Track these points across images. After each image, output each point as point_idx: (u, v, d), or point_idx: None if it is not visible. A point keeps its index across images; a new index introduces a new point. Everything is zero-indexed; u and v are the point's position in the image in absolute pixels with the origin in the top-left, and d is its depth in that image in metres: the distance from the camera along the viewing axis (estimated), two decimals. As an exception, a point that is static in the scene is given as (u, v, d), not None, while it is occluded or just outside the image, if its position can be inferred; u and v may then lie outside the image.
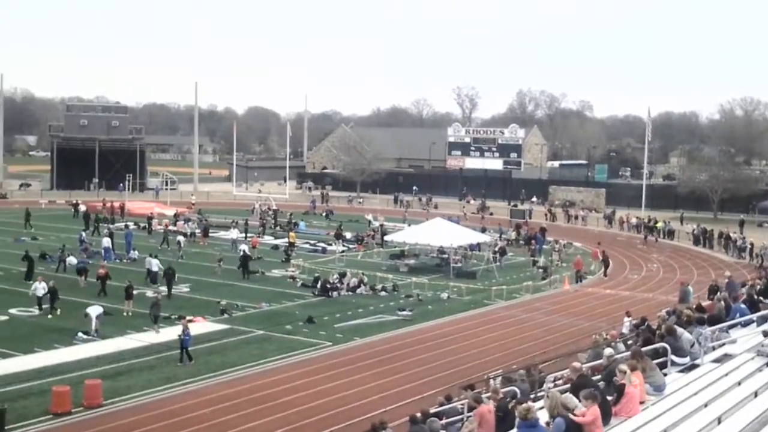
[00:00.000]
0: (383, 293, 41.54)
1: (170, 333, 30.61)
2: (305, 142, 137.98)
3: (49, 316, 33.79)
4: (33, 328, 32.39)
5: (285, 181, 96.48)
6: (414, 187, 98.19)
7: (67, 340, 30.56)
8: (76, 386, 24.11)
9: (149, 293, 38.82)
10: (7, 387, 25.00)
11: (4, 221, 66.13)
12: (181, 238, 53.05)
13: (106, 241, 49.89)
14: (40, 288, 34.74)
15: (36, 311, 34.63)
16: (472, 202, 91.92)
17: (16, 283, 40.70)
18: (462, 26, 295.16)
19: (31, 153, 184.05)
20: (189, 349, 28.16)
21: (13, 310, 34.87)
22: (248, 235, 58.96)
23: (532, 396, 17.44)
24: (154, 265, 42.14)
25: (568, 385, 14.52)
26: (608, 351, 16.26)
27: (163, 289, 38.71)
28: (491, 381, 21.33)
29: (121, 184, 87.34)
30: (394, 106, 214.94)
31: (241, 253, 46.72)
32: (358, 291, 41.55)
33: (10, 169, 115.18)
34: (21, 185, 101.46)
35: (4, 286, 40.07)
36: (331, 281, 41.95)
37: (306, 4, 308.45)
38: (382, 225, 63.51)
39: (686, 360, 16.20)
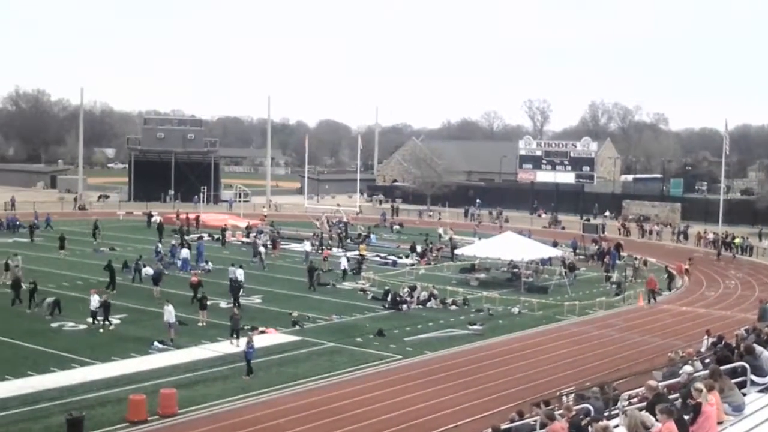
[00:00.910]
0: (453, 307, 41.42)
1: (245, 344, 30.93)
2: (376, 155, 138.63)
3: (101, 330, 33.84)
4: (110, 337, 33.17)
5: (366, 195, 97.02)
6: (477, 200, 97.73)
7: (143, 349, 31.22)
8: (152, 395, 24.58)
9: (222, 304, 39.65)
10: (86, 395, 25.63)
11: (84, 232, 67.86)
12: (262, 249, 54.02)
13: (185, 252, 50.90)
14: (93, 301, 34.78)
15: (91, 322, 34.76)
16: (543, 215, 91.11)
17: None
18: (534, 38, 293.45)
19: (109, 165, 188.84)
20: (252, 361, 28.40)
21: (91, 320, 35.70)
22: (321, 247, 59.43)
23: (606, 414, 17.17)
24: (240, 275, 42.98)
25: (644, 404, 14.30)
26: (688, 369, 15.95)
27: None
28: (564, 398, 21.07)
29: (196, 196, 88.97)
30: (465, 119, 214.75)
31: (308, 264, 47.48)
32: (429, 304, 41.51)
33: (89, 181, 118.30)
34: (100, 197, 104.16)
35: (83, 295, 41.06)
36: (402, 294, 42.01)
37: (378, 19, 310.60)
38: (452, 238, 63.42)
39: (766, 380, 15.79)
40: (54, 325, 34.67)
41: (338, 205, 75.23)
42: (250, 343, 28.70)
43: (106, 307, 34.49)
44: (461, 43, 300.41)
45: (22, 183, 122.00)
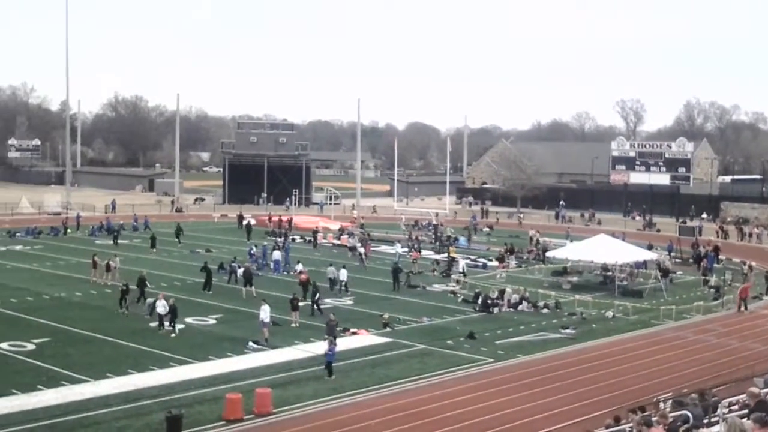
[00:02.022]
0: (545, 310, 40.99)
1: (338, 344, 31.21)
2: (465, 157, 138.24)
3: (173, 335, 33.68)
4: (207, 337, 33.97)
5: (456, 198, 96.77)
6: (561, 202, 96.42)
7: (239, 349, 31.87)
8: (248, 394, 25.04)
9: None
10: (184, 393, 26.30)
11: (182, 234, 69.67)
12: (362, 250, 54.71)
13: (277, 254, 51.81)
14: (160, 305, 34.62)
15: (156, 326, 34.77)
16: (637, 218, 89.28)
17: (192, 293, 42.89)
18: (626, 37, 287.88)
19: (204, 169, 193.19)
20: (334, 364, 28.62)
21: (189, 319, 36.65)
22: (409, 249, 59.59)
23: (705, 421, 16.79)
24: (343, 275, 44.23)
25: (745, 411, 13.92)
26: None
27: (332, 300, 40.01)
28: (661, 404, 20.69)
29: (288, 199, 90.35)
30: (555, 120, 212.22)
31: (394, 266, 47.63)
32: (520, 308, 41.17)
33: (185, 184, 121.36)
34: (195, 200, 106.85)
35: (181, 296, 42.19)
36: (492, 297, 41.78)
37: (464, 21, 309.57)
38: (538, 241, 63.07)
39: None
40: (153, 324, 35.65)
41: (437, 214, 75.20)
42: (330, 346, 28.98)
43: (173, 312, 34.32)
44: (552, 44, 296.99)
45: (122, 186, 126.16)
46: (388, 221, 78.29)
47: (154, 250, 58.67)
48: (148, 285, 40.53)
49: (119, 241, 63.03)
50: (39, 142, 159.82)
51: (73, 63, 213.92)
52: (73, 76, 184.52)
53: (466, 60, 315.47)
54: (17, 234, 66.42)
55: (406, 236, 66.07)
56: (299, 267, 50.62)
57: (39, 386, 26.38)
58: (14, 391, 25.77)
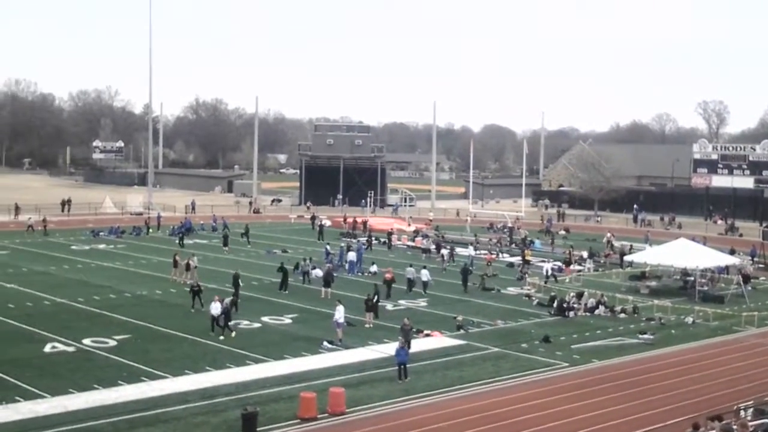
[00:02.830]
0: (623, 315, 40.31)
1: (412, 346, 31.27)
2: (541, 159, 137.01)
3: (221, 338, 33.24)
4: (283, 336, 34.39)
5: (531, 200, 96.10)
6: (635, 206, 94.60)
7: (314, 349, 32.17)
8: (321, 393, 25.24)
9: (388, 306, 40.39)
10: (260, 391, 26.65)
11: (257, 234, 70.70)
12: (445, 251, 54.92)
13: (352, 255, 52.15)
14: (214, 307, 34.24)
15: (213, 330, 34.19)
16: (719, 222, 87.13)
17: (269, 292, 43.48)
18: (709, 38, 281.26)
19: (281, 170, 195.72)
20: (408, 365, 28.58)
21: (265, 318, 37.21)
22: (481, 251, 59.34)
23: (788, 432, 16.31)
24: (425, 275, 44.80)
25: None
26: None
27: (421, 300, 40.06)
28: (741, 412, 20.16)
29: (363, 201, 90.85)
30: (635, 122, 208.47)
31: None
32: (597, 312, 40.58)
33: (263, 186, 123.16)
34: (273, 201, 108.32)
35: (258, 295, 42.92)
36: (568, 301, 41.28)
37: (542, 21, 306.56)
38: (612, 244, 62.04)
39: None
40: (230, 323, 36.20)
41: (517, 218, 74.70)
42: (403, 347, 28.99)
43: (227, 315, 34.04)
44: (631, 44, 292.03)
45: (202, 187, 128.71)
46: (461, 223, 77.86)
47: (227, 248, 60.02)
48: (241, 284, 41.26)
49: (186, 241, 63.90)
50: (122, 144, 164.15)
51: (155, 67, 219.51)
52: (156, 79, 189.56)
53: (544, 61, 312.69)
54: (101, 233, 68.30)
55: (473, 238, 65.70)
56: (374, 268, 50.93)
57: (119, 381, 27.05)
58: (96, 386, 26.49)
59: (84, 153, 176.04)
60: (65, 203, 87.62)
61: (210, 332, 33.74)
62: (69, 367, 28.74)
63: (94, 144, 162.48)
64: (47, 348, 31.25)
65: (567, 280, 49.33)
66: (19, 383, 26.57)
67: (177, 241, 63.47)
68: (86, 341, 32.18)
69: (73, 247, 60.80)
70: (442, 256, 54.63)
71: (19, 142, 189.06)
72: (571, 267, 53.81)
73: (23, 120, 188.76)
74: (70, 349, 31.24)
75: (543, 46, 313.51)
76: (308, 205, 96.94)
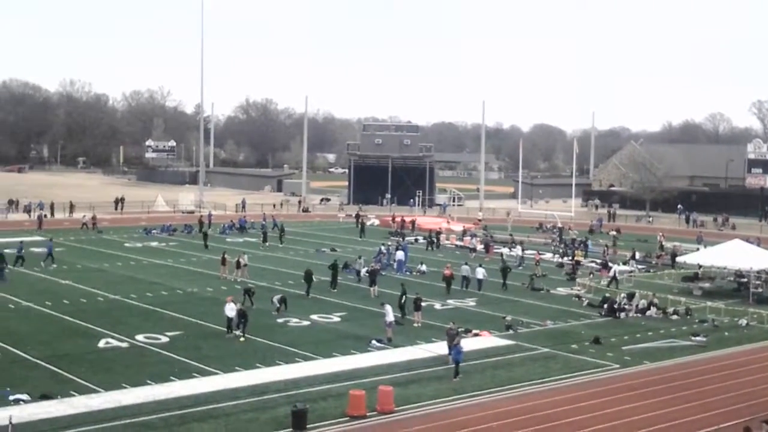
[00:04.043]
0: (675, 317, 39.74)
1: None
2: (592, 159, 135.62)
3: (242, 339, 32.80)
4: (331, 334, 34.55)
5: (582, 200, 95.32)
6: (679, 206, 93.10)
7: (362, 347, 32.27)
8: (370, 391, 25.30)
9: (437, 305, 40.38)
10: (309, 388, 26.81)
11: (307, 233, 71.24)
12: (505, 251, 55.05)
13: (400, 254, 52.20)
14: (228, 309, 33.69)
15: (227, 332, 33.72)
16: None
17: (318, 290, 43.62)
18: (763, 36, 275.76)
19: (330, 170, 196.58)
20: (461, 363, 28.58)
21: (314, 316, 37.42)
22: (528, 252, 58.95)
23: None
24: (480, 273, 45.22)
25: None
26: None
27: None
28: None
29: (411, 200, 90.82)
30: (687, 122, 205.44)
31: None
32: (648, 313, 40.06)
33: (312, 185, 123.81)
34: (321, 200, 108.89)
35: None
36: (619, 302, 40.82)
37: (591, 19, 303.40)
38: (662, 245, 61.17)
39: None
40: (280, 320, 36.57)
41: (570, 228, 74.07)
42: (457, 345, 28.92)
43: (242, 317, 33.39)
44: (682, 43, 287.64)
45: (252, 186, 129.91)
46: (514, 224, 77.37)
47: (266, 243, 61.42)
48: (314, 279, 42.33)
49: (236, 239, 64.50)
50: (174, 144, 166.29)
51: (206, 68, 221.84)
52: (207, 80, 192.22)
53: (594, 60, 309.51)
54: (153, 231, 69.28)
55: (524, 237, 65.38)
56: (423, 267, 50.89)
57: (171, 377, 27.45)
58: (148, 381, 26.90)
59: (137, 152, 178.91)
60: (118, 201, 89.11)
61: (226, 334, 33.34)
62: (122, 363, 29.23)
63: (147, 143, 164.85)
64: (101, 343, 31.83)
65: (604, 282, 47.86)
66: (74, 378, 27.12)
67: (203, 242, 64.10)
68: (139, 337, 32.69)
69: (126, 245, 61.77)
70: (502, 255, 54.53)
71: (74, 142, 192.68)
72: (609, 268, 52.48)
73: (78, 120, 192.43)
74: (124, 344, 31.76)
75: (594, 44, 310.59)
76: (360, 208, 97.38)
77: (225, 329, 33.65)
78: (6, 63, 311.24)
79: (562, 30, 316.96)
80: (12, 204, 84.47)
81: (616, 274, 47.57)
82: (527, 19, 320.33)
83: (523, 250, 57.92)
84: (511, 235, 67.99)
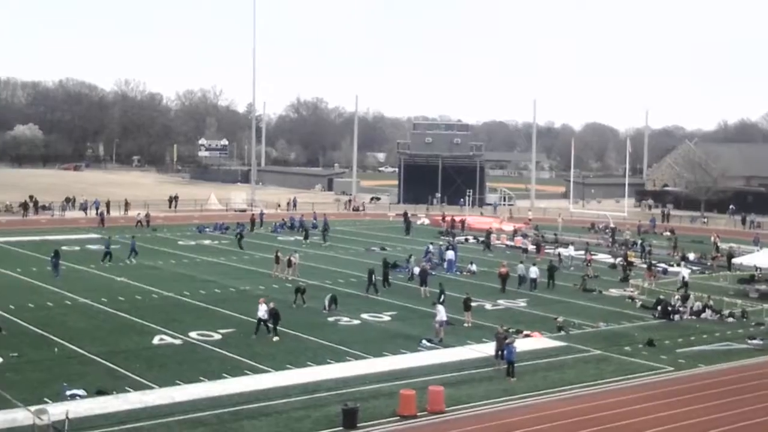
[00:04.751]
0: (731, 319, 39.02)
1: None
2: (645, 158, 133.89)
3: (275, 339, 32.49)
4: (381, 333, 34.61)
5: (635, 200, 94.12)
6: (731, 206, 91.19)
7: (413, 346, 32.26)
8: (421, 391, 25.25)
9: (488, 306, 40.22)
10: (360, 387, 26.87)
11: (358, 232, 71.45)
12: (562, 250, 55.20)
13: (450, 254, 52.10)
14: (261, 310, 33.31)
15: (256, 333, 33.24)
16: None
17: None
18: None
19: (380, 169, 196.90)
20: (515, 363, 28.43)
21: (365, 315, 37.53)
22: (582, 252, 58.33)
23: None
24: (533, 272, 45.55)
25: None
26: None
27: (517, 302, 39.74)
28: None
29: (462, 199, 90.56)
30: (743, 121, 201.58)
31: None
32: (703, 315, 39.41)
33: (362, 184, 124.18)
34: (371, 199, 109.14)
35: (357, 292, 43.29)
36: (674, 304, 40.21)
37: (645, 17, 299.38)
38: (717, 246, 60.22)
39: None
40: (330, 319, 36.72)
41: (629, 229, 73.13)
42: (510, 345, 28.76)
43: (274, 317, 33.11)
44: (738, 41, 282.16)
45: (303, 185, 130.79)
46: (566, 224, 76.68)
47: (308, 240, 62.37)
48: (373, 277, 42.84)
49: (287, 237, 64.85)
50: (227, 142, 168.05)
51: (258, 67, 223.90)
52: (259, 79, 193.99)
53: (647, 58, 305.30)
54: (206, 229, 70.08)
55: (575, 237, 64.77)
56: (473, 267, 50.72)
57: (224, 374, 27.71)
58: (201, 378, 27.21)
59: (190, 151, 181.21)
60: (172, 200, 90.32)
61: (253, 334, 32.90)
62: (176, 359, 29.61)
63: (200, 142, 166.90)
64: (155, 340, 32.29)
65: (649, 285, 46.60)
66: (129, 374, 27.54)
67: (237, 243, 64.44)
68: (192, 334, 33.09)
69: (180, 243, 62.59)
70: (559, 254, 54.48)
71: (129, 140, 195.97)
72: (651, 271, 51.22)
73: (133, 119, 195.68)
74: (177, 341, 32.18)
75: (647, 42, 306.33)
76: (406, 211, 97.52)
77: (265, 328, 33.04)
78: (63, 63, 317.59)
79: (614, 27, 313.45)
80: (69, 202, 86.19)
81: (686, 278, 46.42)
82: (579, 17, 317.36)
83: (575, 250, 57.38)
84: (555, 234, 67.31)
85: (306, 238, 63.19)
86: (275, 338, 32.60)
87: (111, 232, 63.50)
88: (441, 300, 37.26)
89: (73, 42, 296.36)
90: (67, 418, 21.80)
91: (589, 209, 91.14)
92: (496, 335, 30.33)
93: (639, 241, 63.35)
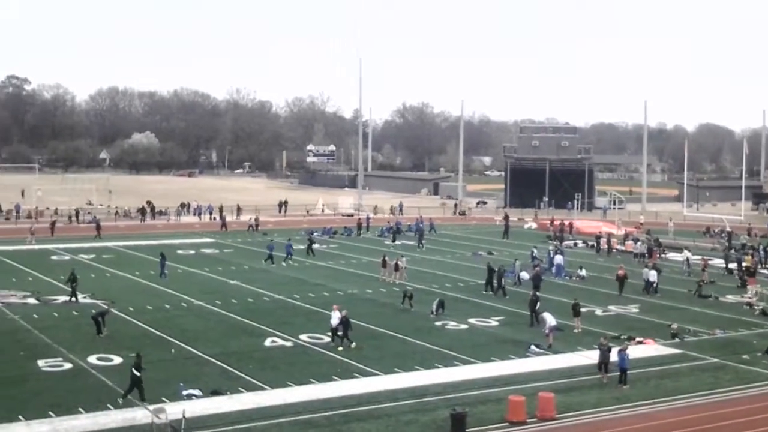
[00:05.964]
0: None
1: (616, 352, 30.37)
2: (763, 159, 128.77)
3: (340, 348, 31.76)
4: (490, 338, 34.40)
5: (752, 204, 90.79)
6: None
7: (521, 352, 31.95)
8: (530, 397, 25.00)
9: (598, 311, 39.47)
10: (468, 392, 26.78)
11: (465, 236, 71.24)
12: (689, 254, 53.99)
13: (559, 258, 51.38)
14: (334, 317, 32.94)
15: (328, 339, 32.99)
16: None
17: (475, 294, 43.67)
18: None
19: (486, 173, 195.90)
20: (629, 371, 27.82)
21: (472, 320, 37.37)
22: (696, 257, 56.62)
23: None
24: (653, 276, 44.77)
25: None
26: None
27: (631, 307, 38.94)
28: None
29: (570, 203, 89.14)
30: None
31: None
32: (828, 324, 37.68)
33: (468, 188, 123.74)
34: (478, 203, 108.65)
35: (464, 296, 43.20)
36: (795, 311, 38.60)
37: (757, 13, 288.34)
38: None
39: None
40: (438, 323, 36.72)
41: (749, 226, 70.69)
42: (622, 351, 28.12)
43: (345, 324, 32.47)
44: None
45: (408, 189, 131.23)
46: (680, 228, 74.55)
47: (395, 242, 63.09)
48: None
49: (404, 242, 65.11)
50: (334, 148, 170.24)
51: (364, 73, 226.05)
52: (365, 85, 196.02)
53: (763, 56, 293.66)
54: (314, 233, 71.05)
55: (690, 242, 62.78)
56: (582, 272, 49.87)
57: (333, 377, 28.09)
58: (312, 380, 27.65)
59: (299, 157, 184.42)
60: (282, 204, 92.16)
61: (330, 342, 32.59)
62: (287, 361, 30.17)
63: (308, 148, 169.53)
64: (267, 342, 32.99)
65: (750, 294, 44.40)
66: (242, 375, 28.22)
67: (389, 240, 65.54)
68: (303, 337, 33.64)
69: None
70: (688, 260, 52.86)
71: (240, 147, 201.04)
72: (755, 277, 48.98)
73: (244, 126, 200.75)
74: (288, 344, 32.78)
75: (763, 39, 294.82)
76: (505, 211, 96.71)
77: (331, 337, 32.67)
78: (178, 73, 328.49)
79: (727, 24, 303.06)
80: (183, 207, 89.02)
81: None
82: (689, 16, 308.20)
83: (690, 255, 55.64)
84: (657, 239, 64.98)
85: (393, 240, 63.48)
86: (352, 344, 31.90)
87: (227, 237, 65.08)
88: (536, 307, 36.38)
89: (187, 53, 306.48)
90: (183, 417, 22.51)
91: (704, 212, 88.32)
92: (599, 346, 28.94)
93: (760, 246, 60.94)
